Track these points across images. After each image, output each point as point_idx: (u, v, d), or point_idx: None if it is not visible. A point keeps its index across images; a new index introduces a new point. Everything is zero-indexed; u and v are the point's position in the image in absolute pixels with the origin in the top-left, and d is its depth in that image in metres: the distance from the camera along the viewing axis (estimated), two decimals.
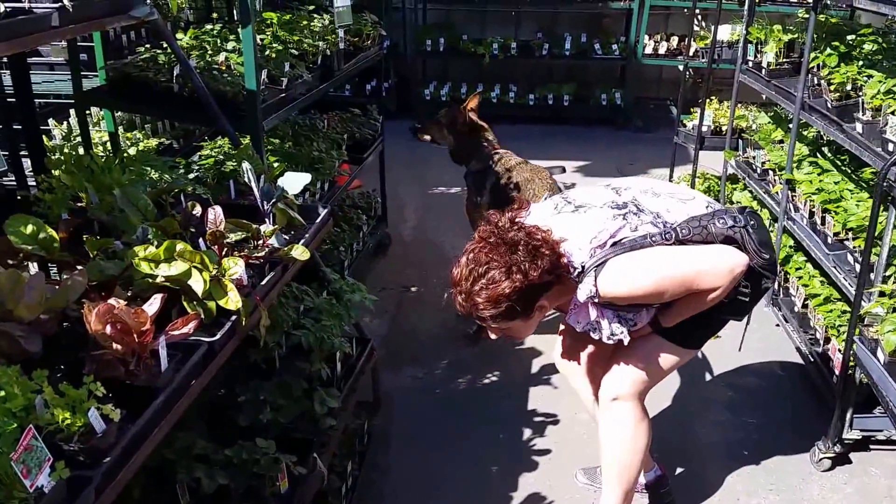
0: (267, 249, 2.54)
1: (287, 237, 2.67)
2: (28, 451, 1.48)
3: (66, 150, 3.58)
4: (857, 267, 3.73)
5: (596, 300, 2.77)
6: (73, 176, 2.66)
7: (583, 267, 2.74)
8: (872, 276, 3.54)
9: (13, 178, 3.39)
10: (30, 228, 2.20)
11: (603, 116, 9.61)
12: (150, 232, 2.38)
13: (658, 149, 8.16)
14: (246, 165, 2.81)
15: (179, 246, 2.20)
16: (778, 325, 4.81)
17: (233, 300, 2.20)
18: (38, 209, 2.56)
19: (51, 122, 4.53)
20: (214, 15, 4.78)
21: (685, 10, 9.58)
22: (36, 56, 4.93)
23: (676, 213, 2.86)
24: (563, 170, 4.95)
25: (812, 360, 4.21)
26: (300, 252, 2.57)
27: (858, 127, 3.82)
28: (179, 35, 4.02)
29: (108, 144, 4.10)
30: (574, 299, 2.83)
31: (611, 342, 2.89)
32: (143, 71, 3.62)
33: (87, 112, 4.01)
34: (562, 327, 3.39)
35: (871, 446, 3.86)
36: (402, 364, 4.54)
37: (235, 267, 2.29)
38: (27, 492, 1.46)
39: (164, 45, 3.70)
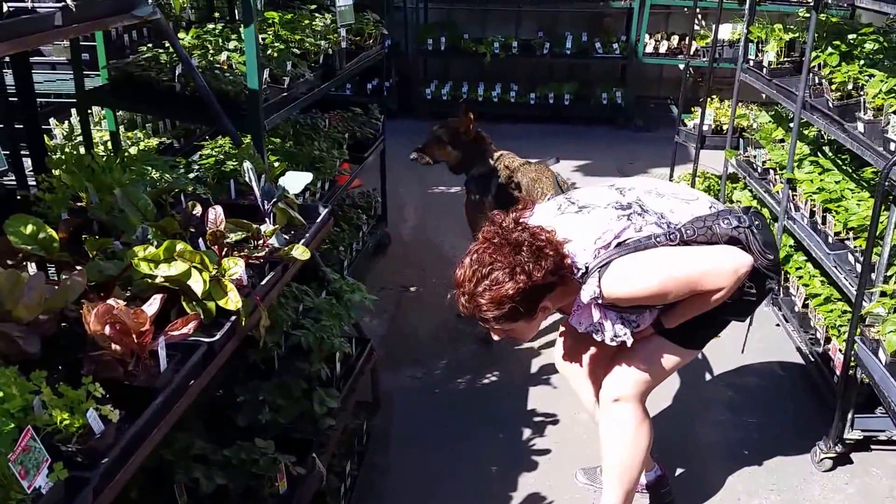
0: (267, 249, 2.53)
1: (287, 237, 2.67)
2: (26, 452, 1.48)
3: (67, 150, 3.58)
4: (858, 267, 3.73)
5: (599, 301, 2.76)
6: (74, 175, 2.65)
7: (587, 268, 2.73)
8: (873, 275, 3.53)
9: (13, 178, 3.39)
10: (30, 228, 2.19)
11: (604, 115, 9.61)
12: (149, 232, 2.37)
13: (658, 148, 8.16)
14: (247, 165, 2.80)
15: (179, 246, 2.19)
16: (778, 325, 4.81)
17: (232, 300, 2.20)
18: (37, 209, 2.56)
19: (52, 121, 4.53)
20: (216, 14, 4.78)
21: (685, 10, 9.57)
22: (37, 55, 4.94)
23: (680, 214, 2.85)
24: (557, 160, 4.91)
25: (812, 359, 4.21)
26: (300, 252, 2.57)
27: (860, 126, 3.81)
28: (181, 34, 4.02)
29: (109, 144, 4.10)
30: (577, 300, 2.82)
31: (613, 344, 2.88)
32: (146, 70, 3.62)
33: (89, 111, 4.01)
34: (562, 329, 3.39)
35: (873, 446, 3.86)
36: (402, 364, 4.53)
37: (235, 267, 2.29)
38: (24, 493, 1.46)
39: (166, 45, 3.70)
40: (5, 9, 2.14)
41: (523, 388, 4.35)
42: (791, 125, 4.77)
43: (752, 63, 5.57)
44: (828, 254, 4.11)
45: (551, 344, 4.50)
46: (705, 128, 6.62)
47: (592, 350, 3.31)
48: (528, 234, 2.68)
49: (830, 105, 4.16)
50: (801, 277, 4.63)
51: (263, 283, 2.44)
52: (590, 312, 2.83)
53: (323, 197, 4.44)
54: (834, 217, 4.13)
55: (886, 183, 3.31)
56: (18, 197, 3.06)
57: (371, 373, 3.92)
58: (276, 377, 3.08)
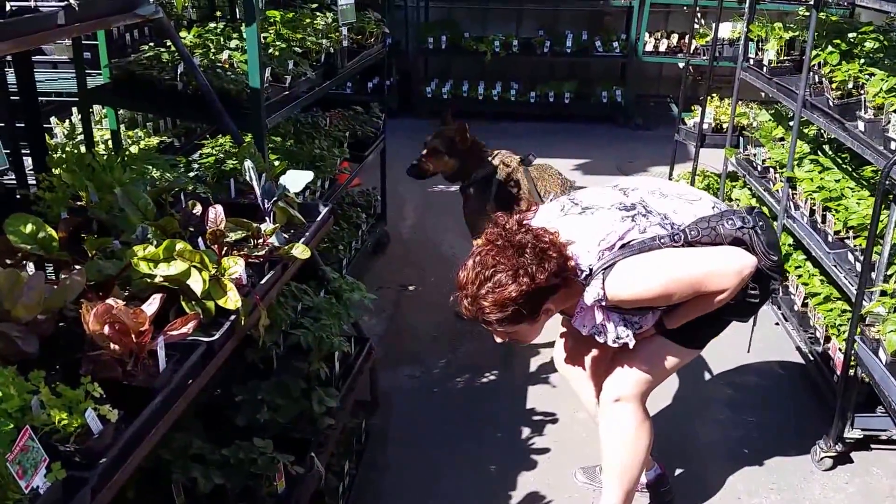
0: (267, 248, 2.53)
1: (287, 236, 2.66)
2: (24, 452, 1.47)
3: (68, 149, 3.58)
4: (858, 266, 3.72)
5: (603, 303, 2.75)
6: (74, 174, 2.65)
7: (590, 269, 2.72)
8: (873, 274, 3.53)
9: (13, 177, 3.38)
10: (29, 228, 2.19)
11: (604, 114, 9.62)
12: (149, 231, 2.37)
13: (658, 146, 8.16)
14: (248, 163, 2.79)
15: (179, 245, 2.19)
16: (777, 324, 4.80)
17: (232, 300, 2.19)
18: (37, 208, 2.55)
19: (53, 120, 4.53)
20: (218, 13, 4.78)
21: (685, 8, 9.58)
22: (39, 54, 4.93)
23: (683, 215, 2.84)
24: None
25: (812, 359, 4.20)
26: (301, 251, 2.56)
27: (860, 125, 3.81)
28: (183, 33, 4.02)
29: (110, 142, 4.10)
30: (580, 302, 2.81)
31: (616, 346, 2.88)
32: (147, 69, 3.63)
33: (90, 110, 4.01)
34: (562, 329, 3.38)
35: (873, 446, 3.86)
36: (400, 363, 4.53)
37: (235, 266, 2.28)
38: (22, 493, 1.45)
39: (168, 44, 3.70)
40: (8, 7, 2.14)
41: (522, 387, 4.34)
42: (791, 124, 4.76)
43: (752, 62, 5.57)
44: (827, 252, 4.10)
45: (551, 343, 4.49)
46: (705, 126, 6.61)
47: (593, 351, 3.31)
48: (531, 236, 2.67)
49: (831, 104, 4.16)
50: (800, 276, 4.63)
51: (263, 282, 2.44)
52: (593, 314, 2.82)
53: (323, 195, 4.44)
54: (834, 216, 4.13)
55: (887, 182, 3.30)
56: (18, 196, 3.06)
57: (370, 372, 3.92)
58: (274, 376, 3.08)
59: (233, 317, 2.20)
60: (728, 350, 4.42)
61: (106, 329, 1.85)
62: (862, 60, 4.15)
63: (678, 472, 3.70)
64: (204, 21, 4.62)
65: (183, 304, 2.14)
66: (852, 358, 3.55)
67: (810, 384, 4.30)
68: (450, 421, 4.05)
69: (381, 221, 6.03)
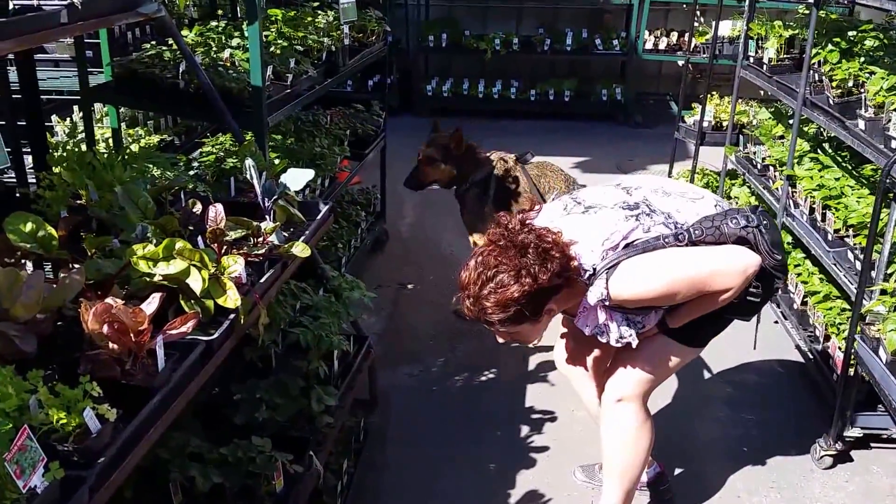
0: (267, 247, 2.52)
1: (286, 234, 2.66)
2: (22, 452, 1.47)
3: (69, 147, 3.58)
4: (858, 264, 3.72)
5: (607, 303, 2.74)
6: (75, 173, 2.65)
7: (594, 269, 2.71)
8: (873, 273, 3.53)
9: (13, 176, 3.38)
10: (29, 226, 2.19)
11: (604, 112, 9.60)
12: (149, 230, 2.36)
13: (657, 144, 8.15)
14: (249, 162, 2.79)
15: (179, 244, 2.19)
16: (776, 322, 4.80)
17: (231, 298, 2.19)
18: (37, 207, 2.55)
19: (54, 118, 4.53)
20: (219, 12, 4.78)
21: (684, 6, 9.58)
22: (41, 52, 4.93)
23: (687, 214, 2.83)
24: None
25: (812, 357, 4.20)
26: (300, 249, 2.56)
27: (861, 124, 3.81)
28: (184, 32, 4.02)
29: (111, 141, 4.10)
30: (583, 302, 2.80)
31: (619, 345, 2.87)
32: (149, 67, 3.63)
33: (91, 109, 4.01)
34: (563, 329, 3.37)
35: (873, 444, 3.86)
36: (399, 362, 4.53)
37: (235, 265, 2.28)
38: (20, 492, 1.45)
39: (170, 42, 3.70)
40: (11, 6, 2.14)
41: (521, 385, 4.34)
42: (791, 122, 4.76)
43: (752, 60, 5.57)
44: (827, 251, 4.10)
45: (550, 347, 4.50)
46: (705, 124, 6.61)
47: (594, 350, 3.30)
48: (534, 236, 2.66)
49: (831, 102, 4.16)
50: (799, 275, 4.63)
51: (262, 280, 2.44)
52: (595, 314, 2.81)
53: (323, 194, 4.44)
54: (833, 214, 4.12)
55: (888, 180, 3.30)
56: (18, 194, 3.05)
57: (369, 371, 3.91)
58: (273, 375, 3.08)
59: (232, 316, 2.20)
60: (728, 349, 4.40)
61: (105, 328, 1.85)
62: (862, 59, 4.15)
63: (678, 470, 3.70)
64: (205, 19, 4.62)
65: (182, 302, 2.14)
66: (852, 356, 3.55)
67: (810, 383, 4.29)
68: (449, 419, 4.05)
69: (381, 220, 6.02)
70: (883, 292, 3.48)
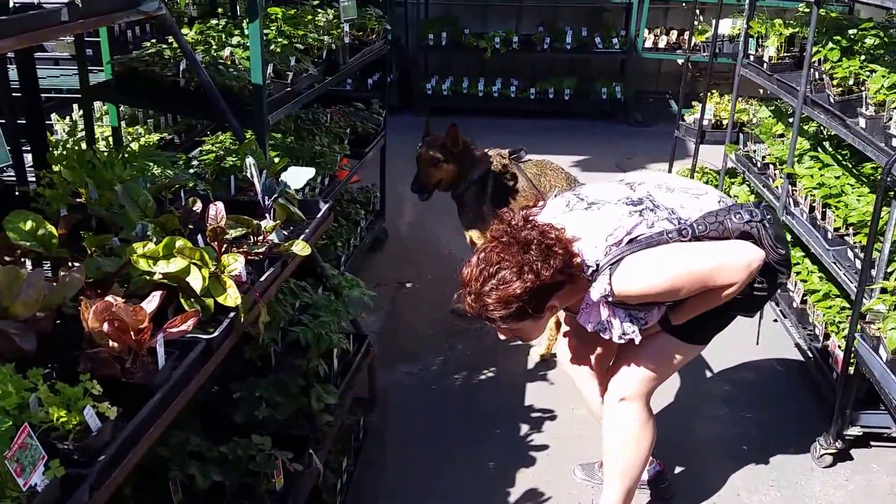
0: (267, 245, 2.52)
1: (286, 233, 2.66)
2: (23, 450, 1.47)
3: (69, 145, 3.57)
4: (858, 263, 3.72)
5: (610, 299, 2.73)
6: (75, 171, 2.65)
7: (597, 265, 2.70)
8: (874, 272, 3.52)
9: (13, 174, 3.38)
10: (29, 224, 2.19)
11: (603, 111, 9.60)
12: (149, 228, 2.36)
13: (657, 143, 8.15)
14: (250, 160, 2.79)
15: (179, 242, 2.18)
16: (776, 321, 4.79)
17: (231, 297, 2.19)
18: (36, 205, 2.55)
19: (53, 117, 4.53)
20: (220, 10, 4.78)
21: (684, 5, 9.58)
22: (40, 51, 4.93)
23: (690, 209, 2.82)
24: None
25: (811, 356, 4.20)
26: (301, 248, 2.56)
27: (861, 122, 3.80)
28: (184, 30, 4.02)
29: (111, 139, 4.10)
30: (586, 298, 2.79)
31: (621, 342, 2.85)
32: (150, 65, 3.63)
33: (90, 107, 4.01)
34: (566, 327, 3.37)
35: (872, 443, 3.86)
36: (398, 360, 4.53)
37: (235, 263, 2.28)
38: (20, 490, 1.45)
39: (170, 40, 3.70)
40: (11, 4, 2.14)
41: (520, 384, 4.34)
42: (791, 120, 4.76)
43: (752, 58, 5.57)
44: (827, 249, 4.09)
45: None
46: (705, 123, 6.61)
47: (596, 348, 3.30)
48: (537, 232, 2.65)
49: (831, 100, 4.15)
50: (799, 273, 4.62)
51: (262, 279, 2.43)
52: (598, 310, 2.80)
53: (322, 192, 4.43)
54: (834, 212, 4.12)
55: (888, 178, 3.30)
56: (17, 193, 3.05)
57: (368, 369, 3.91)
58: (272, 374, 3.08)
59: (232, 314, 2.20)
60: (727, 347, 4.41)
61: (105, 326, 1.85)
62: (863, 57, 4.14)
63: (678, 469, 3.70)
64: (205, 18, 4.62)
65: (182, 301, 2.14)
66: (852, 355, 3.55)
67: (809, 381, 4.29)
68: (448, 418, 4.05)
69: (380, 218, 6.01)
70: (883, 291, 3.48)
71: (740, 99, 6.27)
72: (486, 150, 4.68)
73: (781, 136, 5.43)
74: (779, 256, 2.79)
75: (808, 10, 4.83)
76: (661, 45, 9.53)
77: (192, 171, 3.55)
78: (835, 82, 4.14)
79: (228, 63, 3.71)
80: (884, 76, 3.73)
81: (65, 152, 2.79)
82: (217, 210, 2.44)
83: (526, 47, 9.55)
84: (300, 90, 3.90)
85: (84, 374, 1.73)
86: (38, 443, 1.52)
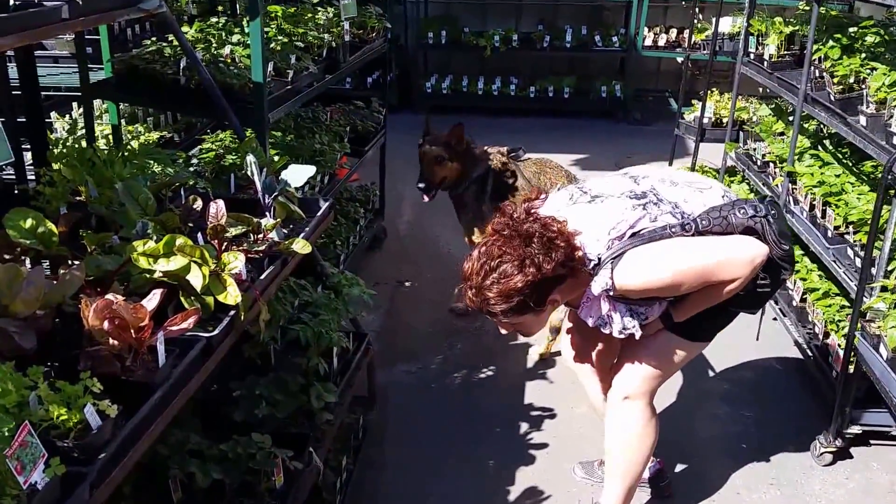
0: (267, 243, 2.52)
1: (286, 231, 2.65)
2: (23, 448, 1.47)
3: (69, 143, 3.57)
4: (858, 261, 3.72)
5: (611, 293, 2.71)
6: (75, 169, 2.64)
7: (599, 259, 2.68)
8: (874, 270, 3.52)
9: (12, 172, 3.38)
10: (29, 222, 2.18)
11: (603, 109, 9.60)
12: (149, 226, 2.36)
13: (656, 141, 8.15)
14: (250, 158, 2.79)
15: (179, 240, 2.18)
16: (775, 319, 4.79)
17: (232, 295, 2.19)
18: (36, 203, 2.55)
19: (53, 115, 4.52)
20: (220, 8, 4.78)
21: (683, 3, 9.58)
22: (40, 49, 4.92)
23: (694, 204, 2.80)
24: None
25: (811, 354, 4.20)
26: (301, 246, 2.56)
27: (862, 120, 3.80)
28: (184, 28, 4.02)
29: (111, 137, 4.09)
30: (587, 292, 2.77)
31: (622, 336, 2.84)
32: (150, 63, 3.63)
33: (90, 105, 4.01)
34: (569, 323, 3.36)
35: (872, 441, 3.86)
36: (397, 359, 4.52)
37: (235, 262, 2.28)
38: (20, 488, 1.45)
39: (170, 38, 3.70)
40: (11, 2, 2.14)
41: (520, 382, 4.34)
42: (791, 118, 4.76)
43: (752, 56, 5.56)
44: (827, 248, 4.09)
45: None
46: (705, 121, 6.61)
47: (600, 345, 3.29)
48: (539, 225, 2.63)
49: (832, 98, 4.15)
50: (798, 271, 4.62)
51: (263, 277, 2.43)
52: (599, 305, 2.78)
53: (322, 190, 4.43)
54: (834, 211, 4.12)
55: (889, 176, 3.29)
56: (17, 191, 3.05)
57: (368, 368, 3.91)
58: (272, 372, 3.07)
59: (232, 312, 2.20)
60: (727, 346, 4.40)
61: (105, 324, 1.85)
62: (863, 55, 4.14)
63: (678, 467, 3.70)
64: (205, 16, 4.61)
65: (182, 299, 2.14)
66: (852, 353, 3.55)
67: (809, 380, 4.29)
68: (447, 416, 4.05)
69: (379, 217, 6.01)
70: (883, 289, 3.48)
71: (740, 97, 6.26)
72: (485, 148, 4.67)
73: (781, 134, 5.42)
74: (782, 252, 2.77)
75: (808, 7, 4.82)
76: (661, 43, 9.53)
77: (191, 169, 3.54)
78: (835, 80, 4.13)
79: (229, 61, 3.71)
80: (885, 74, 3.73)
81: (65, 150, 2.78)
82: (218, 208, 2.44)
83: (525, 46, 9.55)
84: (300, 88, 3.90)
85: (84, 372, 1.73)
86: (39, 441, 1.51)
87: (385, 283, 5.40)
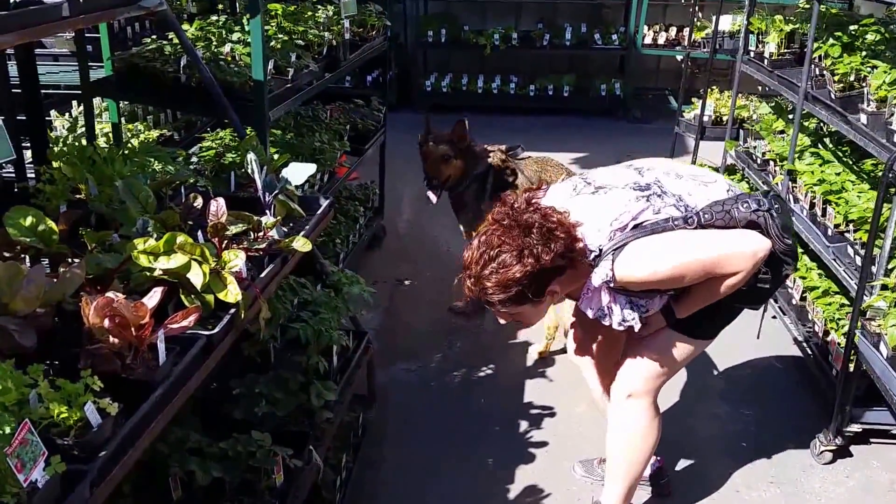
0: (267, 241, 2.52)
1: (286, 229, 2.65)
2: (23, 446, 1.47)
3: (69, 141, 3.57)
4: (858, 260, 3.72)
5: (611, 284, 2.70)
6: (75, 167, 2.64)
7: (600, 250, 2.67)
8: (874, 268, 3.52)
9: (12, 170, 3.38)
10: (29, 220, 2.18)
11: (602, 107, 9.59)
12: (149, 224, 2.36)
13: (656, 140, 8.13)
14: (251, 156, 2.79)
15: (180, 238, 2.18)
16: (774, 317, 4.79)
17: (232, 293, 2.19)
18: (35, 201, 2.55)
19: (53, 113, 4.52)
20: (220, 6, 4.77)
21: (682, 1, 9.57)
22: (39, 47, 4.92)
23: (698, 197, 2.79)
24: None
25: (811, 352, 4.19)
26: (302, 244, 2.56)
27: (863, 118, 3.80)
28: (184, 26, 4.01)
29: (111, 136, 4.09)
30: (587, 284, 2.76)
31: (621, 328, 2.81)
32: (150, 62, 3.63)
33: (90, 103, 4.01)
34: (574, 318, 3.35)
35: (872, 439, 3.86)
36: (396, 358, 4.52)
37: (236, 260, 2.28)
38: (20, 486, 1.45)
39: (171, 36, 3.69)
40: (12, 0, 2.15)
41: (519, 381, 4.34)
42: (791, 116, 4.75)
43: (752, 54, 5.56)
44: (827, 246, 4.09)
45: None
46: (705, 119, 6.61)
47: (604, 341, 3.28)
48: (539, 216, 2.63)
49: (833, 96, 4.15)
50: (798, 270, 4.62)
51: (263, 275, 2.43)
52: (599, 296, 2.76)
53: (322, 189, 4.43)
54: (834, 209, 4.11)
55: (890, 174, 3.29)
56: (16, 189, 3.05)
57: (367, 366, 3.91)
58: (272, 370, 3.07)
59: (232, 310, 2.20)
60: (726, 344, 4.39)
61: (106, 322, 1.85)
62: (864, 53, 4.13)
63: (677, 465, 3.70)
64: (205, 14, 4.61)
65: (182, 297, 2.14)
66: (852, 352, 3.55)
67: (809, 378, 4.29)
68: (447, 415, 4.05)
69: (379, 216, 6.01)
70: (884, 287, 3.48)
71: (740, 95, 6.27)
72: (485, 146, 4.66)
73: (782, 132, 5.42)
74: (785, 246, 2.76)
75: (808, 5, 4.82)
76: (661, 41, 9.52)
77: (191, 167, 3.54)
78: (836, 78, 4.13)
79: (229, 59, 3.71)
80: (886, 72, 3.72)
81: (65, 148, 2.78)
82: (218, 206, 2.44)
83: (525, 44, 9.54)
84: (301, 86, 3.90)
85: (84, 370, 1.73)
86: (39, 439, 1.51)
87: (384, 282, 5.39)
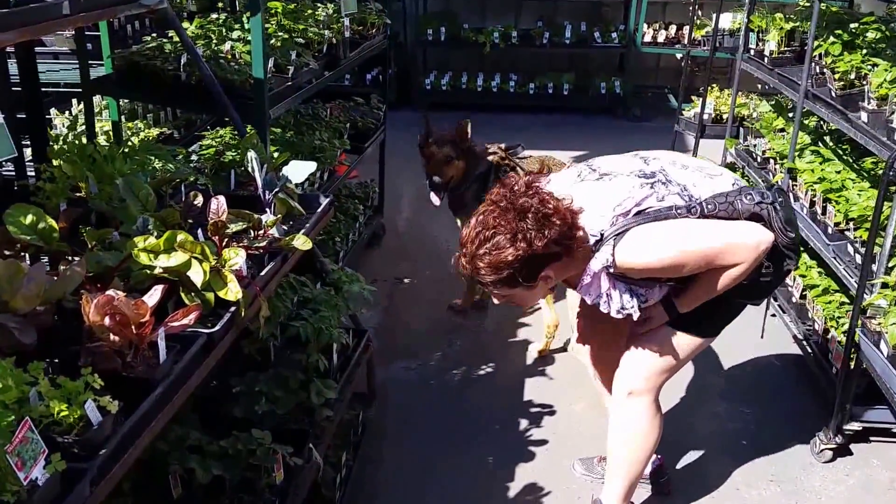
0: (267, 240, 2.52)
1: (286, 227, 2.65)
2: (24, 444, 1.47)
3: (69, 140, 3.57)
4: (858, 258, 3.72)
5: (611, 270, 2.69)
6: (75, 165, 2.64)
7: (601, 235, 2.67)
8: (874, 267, 3.52)
9: (12, 168, 3.37)
10: (29, 218, 2.18)
11: (602, 106, 9.59)
12: (150, 222, 2.36)
13: (656, 138, 8.11)
14: (251, 154, 2.79)
15: (180, 236, 2.18)
16: (774, 315, 4.79)
17: (232, 291, 2.19)
18: (36, 199, 2.55)
19: (53, 111, 4.52)
20: (220, 4, 4.77)
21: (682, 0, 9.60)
22: (39, 45, 4.92)
23: (702, 188, 2.78)
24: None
25: (810, 351, 4.19)
26: (302, 242, 2.56)
27: (864, 116, 3.80)
28: (184, 24, 4.01)
29: (111, 134, 4.09)
30: (587, 269, 2.74)
31: (620, 316, 2.80)
32: (151, 60, 3.63)
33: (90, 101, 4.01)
34: (578, 310, 3.35)
35: (872, 438, 3.86)
36: (396, 356, 4.52)
37: (236, 258, 2.28)
38: (21, 484, 1.44)
39: (170, 34, 3.69)
40: None
41: (519, 379, 4.34)
42: (791, 115, 4.75)
43: (752, 52, 5.56)
44: (827, 244, 4.09)
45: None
46: (705, 117, 6.61)
47: (607, 334, 3.27)
48: (536, 201, 2.61)
49: (833, 95, 4.15)
50: (798, 268, 4.61)
51: (263, 273, 2.43)
52: (599, 282, 2.75)
53: (322, 187, 4.43)
54: (834, 207, 4.11)
55: (891, 172, 3.29)
56: (17, 187, 3.05)
57: (367, 364, 3.90)
58: (272, 368, 3.07)
59: (233, 308, 2.20)
60: (726, 343, 4.39)
61: (106, 320, 1.84)
62: (864, 51, 4.13)
63: (677, 463, 3.70)
64: (205, 12, 4.61)
65: (182, 295, 2.14)
66: (852, 350, 3.55)
67: (808, 376, 4.29)
68: (446, 413, 4.04)
69: (378, 214, 6.01)
70: (884, 286, 3.48)
71: (740, 93, 6.26)
72: (486, 146, 4.65)
73: (782, 130, 5.42)
74: (788, 240, 2.76)
75: (808, 4, 4.82)
76: (661, 39, 9.52)
77: (191, 165, 3.54)
78: (836, 76, 4.13)
79: (229, 57, 3.71)
80: (886, 70, 3.72)
81: (65, 146, 2.78)
82: (218, 204, 2.43)
83: (525, 42, 9.54)
84: (301, 84, 3.90)
85: (85, 368, 1.73)
86: (39, 437, 1.51)
87: (384, 280, 5.39)
